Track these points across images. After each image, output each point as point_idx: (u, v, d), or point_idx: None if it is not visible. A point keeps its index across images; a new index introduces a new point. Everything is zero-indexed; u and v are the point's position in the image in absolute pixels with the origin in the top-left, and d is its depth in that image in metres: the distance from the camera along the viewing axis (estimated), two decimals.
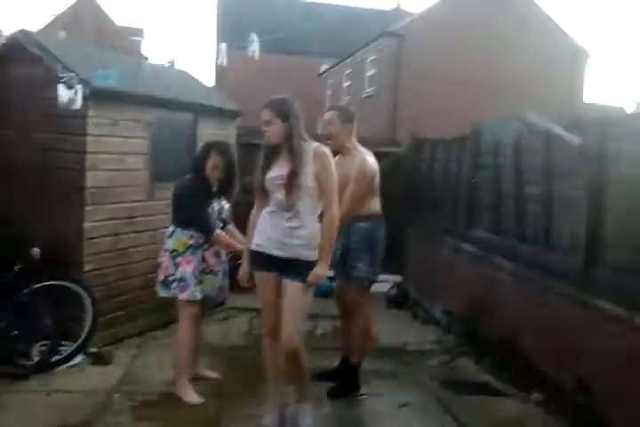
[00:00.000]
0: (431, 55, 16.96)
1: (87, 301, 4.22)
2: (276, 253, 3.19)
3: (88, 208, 4.36)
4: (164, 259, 3.77)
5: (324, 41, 26.70)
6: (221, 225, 3.89)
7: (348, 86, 22.23)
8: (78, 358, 4.15)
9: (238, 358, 4.56)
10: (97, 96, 4.28)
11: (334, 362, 4.19)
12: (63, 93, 4.06)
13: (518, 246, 4.67)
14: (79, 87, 4.07)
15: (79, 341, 4.13)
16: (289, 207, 3.16)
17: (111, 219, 4.58)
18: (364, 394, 3.94)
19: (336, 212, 3.23)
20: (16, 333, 4.00)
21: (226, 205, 3.94)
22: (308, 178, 3.17)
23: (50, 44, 4.53)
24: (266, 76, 21.91)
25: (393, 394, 3.97)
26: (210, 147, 3.90)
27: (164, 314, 5.07)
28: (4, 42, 4.74)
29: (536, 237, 4.48)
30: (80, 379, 3.92)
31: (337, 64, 23.59)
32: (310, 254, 3.16)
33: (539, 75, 17.27)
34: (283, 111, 3.22)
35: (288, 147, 3.21)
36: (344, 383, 3.96)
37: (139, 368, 4.20)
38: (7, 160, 4.59)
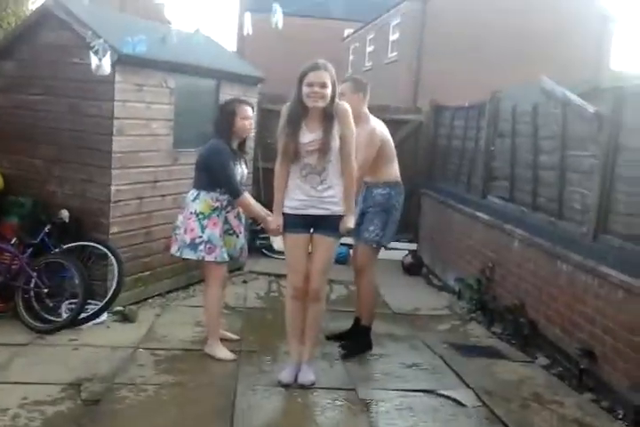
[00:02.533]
0: (456, 19, 16.61)
1: (113, 261, 4.39)
2: (311, 211, 3.39)
3: (115, 172, 4.49)
4: (190, 221, 3.80)
5: (348, 4, 26.25)
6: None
7: (371, 51, 21.91)
8: (104, 316, 4.35)
9: (256, 319, 4.76)
10: (124, 62, 4.37)
11: (347, 325, 4.34)
12: (93, 59, 4.14)
13: (531, 214, 4.74)
14: (108, 54, 4.15)
15: (105, 299, 4.31)
16: (321, 170, 3.34)
17: (136, 183, 4.72)
18: (374, 354, 4.11)
19: (354, 167, 3.44)
20: (46, 290, 4.23)
21: (245, 170, 4.01)
22: (336, 140, 3.33)
23: (79, 10, 4.59)
24: (288, 41, 21.71)
25: (403, 355, 4.13)
26: (233, 102, 3.98)
27: (185, 276, 5.29)
28: (36, 9, 4.82)
29: (549, 205, 4.53)
30: (106, 335, 4.11)
31: (360, 28, 23.22)
32: (340, 209, 3.42)
33: (565, 39, 16.85)
34: (333, 75, 3.30)
35: (327, 110, 3.27)
36: (356, 344, 4.13)
37: (161, 326, 4.40)
38: (37, 125, 4.74)
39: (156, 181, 4.90)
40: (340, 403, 3.33)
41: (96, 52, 4.16)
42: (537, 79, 4.84)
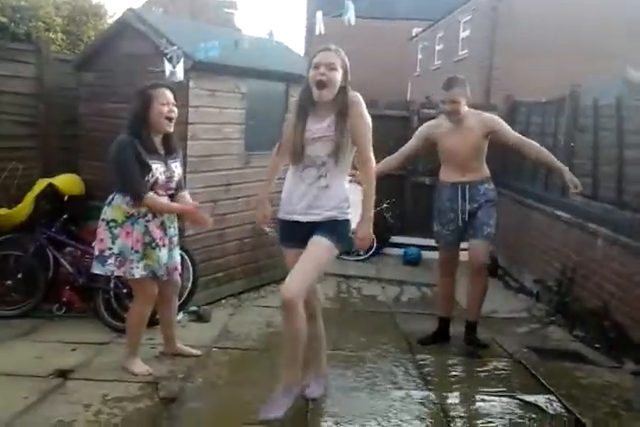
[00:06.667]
0: (529, 14, 16.09)
1: (188, 263, 4.44)
2: (300, 218, 2.92)
3: (189, 176, 4.53)
4: (100, 230, 3.37)
5: (415, 3, 25.95)
6: (172, 191, 3.50)
7: (440, 50, 21.58)
8: (180, 316, 4.42)
9: (328, 319, 4.71)
10: (197, 69, 4.45)
11: (422, 326, 4.33)
12: (167, 67, 4.25)
13: (616, 213, 4.49)
14: (182, 60, 4.25)
15: (181, 300, 4.37)
16: (321, 164, 2.87)
17: (210, 186, 4.80)
18: (451, 358, 4.01)
19: (373, 163, 2.91)
20: (125, 291, 4.35)
21: (177, 167, 3.49)
22: (346, 133, 2.86)
23: (154, 20, 4.73)
24: (356, 42, 21.58)
25: (480, 359, 3.99)
26: (147, 89, 3.34)
27: (257, 277, 5.35)
28: (115, 21, 5.02)
29: (636, 202, 4.29)
30: (181, 334, 4.15)
31: (429, 27, 22.92)
32: (334, 214, 2.88)
33: None
34: (346, 61, 2.91)
35: (338, 100, 2.84)
36: (474, 340, 4.15)
37: (234, 326, 4.46)
38: (115, 132, 4.87)
39: (228, 184, 4.97)
40: (415, 407, 3.25)
41: (170, 60, 4.27)
42: (620, 70, 4.61)
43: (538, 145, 4.08)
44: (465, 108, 4.04)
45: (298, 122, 2.90)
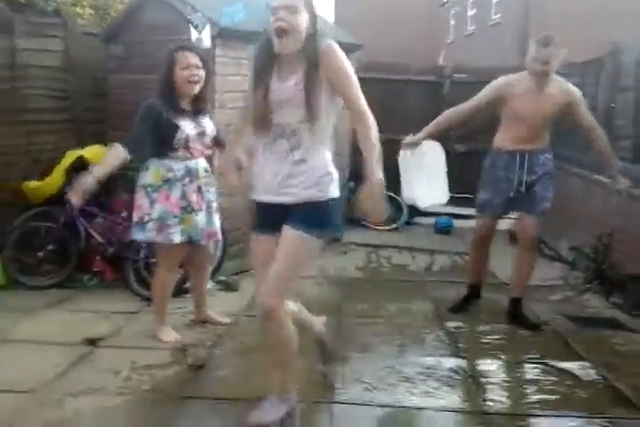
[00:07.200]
0: None
1: None
2: (273, 199, 2.39)
3: None
4: (138, 195, 3.36)
5: None
6: (211, 148, 3.53)
7: (472, 15, 20.94)
8: (209, 285, 4.40)
9: (356, 289, 4.75)
10: (223, 36, 4.37)
11: (453, 294, 4.30)
12: (193, 33, 4.18)
13: None
14: (207, 26, 4.16)
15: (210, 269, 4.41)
16: (291, 133, 2.33)
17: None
18: (483, 325, 3.94)
19: (370, 121, 2.31)
20: (154, 260, 4.38)
21: (208, 122, 3.48)
22: (319, 91, 2.32)
23: None
24: (386, 8, 21.15)
25: (512, 326, 3.93)
26: (172, 52, 3.33)
27: None
28: None
29: None
30: (210, 304, 4.14)
31: None
32: (315, 194, 2.34)
33: None
34: (311, 2, 2.32)
35: (305, 50, 2.28)
36: (521, 314, 3.99)
37: None
38: (138, 102, 4.88)
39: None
40: (444, 373, 3.19)
41: (195, 26, 4.19)
42: None
43: (605, 138, 3.85)
44: (554, 73, 3.76)
45: (258, 82, 2.35)
